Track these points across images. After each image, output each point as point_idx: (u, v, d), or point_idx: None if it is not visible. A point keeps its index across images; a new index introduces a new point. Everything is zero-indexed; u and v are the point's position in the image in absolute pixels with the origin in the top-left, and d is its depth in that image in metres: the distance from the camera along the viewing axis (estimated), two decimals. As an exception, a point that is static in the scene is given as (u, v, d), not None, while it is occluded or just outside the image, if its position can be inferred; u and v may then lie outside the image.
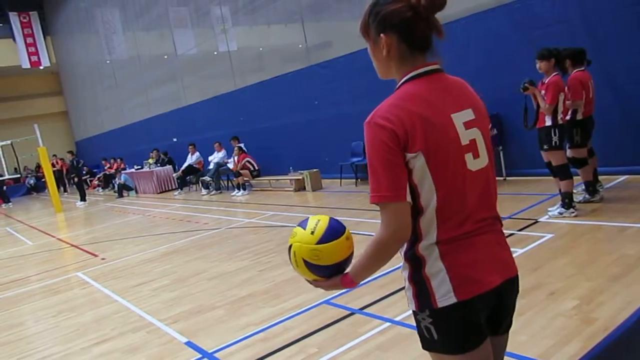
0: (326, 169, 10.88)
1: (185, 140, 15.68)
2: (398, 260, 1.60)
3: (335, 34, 11.23)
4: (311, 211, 8.45)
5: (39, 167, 28.53)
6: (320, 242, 1.56)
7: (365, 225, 6.57)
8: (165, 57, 17.99)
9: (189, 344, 3.90)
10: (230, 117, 14.22)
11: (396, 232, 1.39)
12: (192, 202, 12.37)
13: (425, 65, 1.45)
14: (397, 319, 3.63)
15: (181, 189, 14.70)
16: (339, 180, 10.52)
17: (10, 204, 21.08)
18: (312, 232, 1.58)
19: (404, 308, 3.76)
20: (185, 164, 14.56)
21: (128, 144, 21.59)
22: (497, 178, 7.57)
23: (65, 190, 22.60)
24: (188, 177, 14.64)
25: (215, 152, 13.49)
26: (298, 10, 11.66)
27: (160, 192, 15.63)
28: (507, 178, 7.92)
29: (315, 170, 10.72)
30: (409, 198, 1.37)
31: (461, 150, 1.41)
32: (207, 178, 13.40)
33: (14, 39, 26.91)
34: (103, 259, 7.52)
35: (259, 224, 8.13)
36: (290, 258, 1.63)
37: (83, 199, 16.87)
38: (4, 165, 18.40)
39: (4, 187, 22.94)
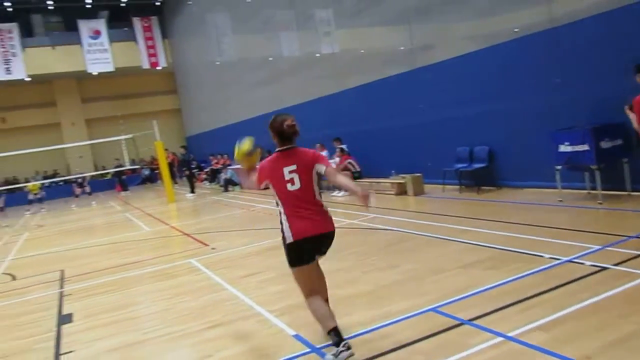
0: (429, 174, 10.68)
1: (287, 140, 16.10)
2: (512, 273, 1.53)
3: (440, 36, 10.99)
4: (412, 215, 8.34)
5: (153, 159, 30.68)
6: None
7: (470, 234, 6.38)
8: (270, 59, 18.59)
9: (297, 336, 4.00)
10: (332, 118, 14.40)
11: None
12: (292, 200, 12.66)
13: (283, 146, 3.60)
14: (510, 334, 3.47)
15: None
16: (441, 185, 10.29)
17: (128, 191, 22.85)
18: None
19: (518, 323, 3.60)
20: (287, 163, 14.94)
21: (234, 141, 22.46)
22: (620, 192, 7.22)
23: (175, 182, 24.06)
24: (289, 176, 15.00)
25: (317, 153, 13.71)
26: (402, 13, 11.55)
27: (264, 189, 16.15)
28: (632, 193, 7.27)
29: (417, 174, 10.56)
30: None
31: (284, 181, 3.56)
32: (308, 177, 13.66)
33: (137, 42, 29.13)
34: (213, 248, 7.91)
35: (360, 225, 8.16)
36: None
37: (192, 191, 17.89)
38: (126, 157, 19.95)
39: (123, 177, 24.94)
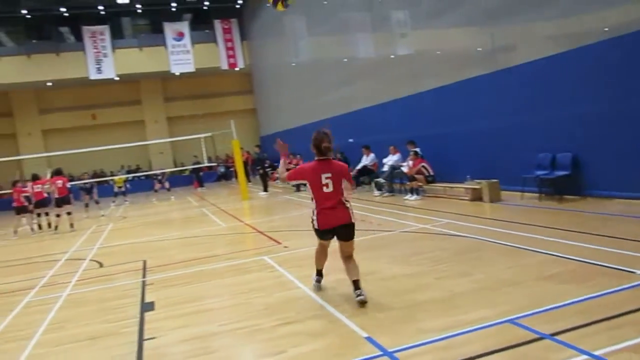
0: (506, 180, 10.33)
1: (360, 142, 16.09)
2: (598, 288, 1.45)
3: (522, 37, 10.58)
4: (487, 223, 8.11)
5: (228, 157, 31.69)
6: None
7: (551, 245, 6.11)
8: (345, 60, 18.67)
9: (369, 339, 4.00)
10: (406, 121, 14.26)
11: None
12: (364, 202, 12.66)
13: (321, 157, 4.96)
14: (597, 353, 3.29)
15: (354, 188, 15.14)
16: (519, 193, 9.92)
17: (204, 188, 23.71)
18: None
19: (605, 342, 3.42)
20: (360, 165, 14.94)
21: (305, 142, 22.68)
22: None
23: (248, 180, 24.69)
24: (361, 178, 15.01)
25: (390, 155, 13.63)
26: (483, 13, 11.24)
27: (291, 184, 16.31)
28: None
29: (494, 180, 10.25)
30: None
31: (321, 184, 4.89)
32: (380, 180, 13.61)
33: (217, 44, 30.20)
34: (286, 246, 8.07)
35: (432, 230, 8.03)
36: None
37: (265, 189, 18.31)
38: (204, 154, 20.72)
39: (201, 173, 25.90)
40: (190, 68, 29.05)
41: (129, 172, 30.68)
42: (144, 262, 8.19)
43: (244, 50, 30.82)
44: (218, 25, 30.12)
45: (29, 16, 28.60)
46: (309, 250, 7.46)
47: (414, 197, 11.92)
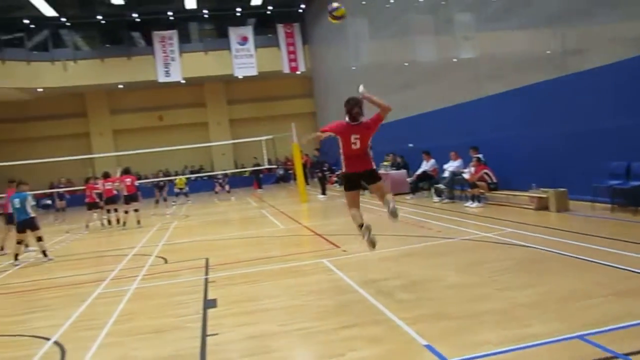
0: (575, 189, 9.91)
1: (420, 146, 15.90)
2: None
3: (594, 39, 10.11)
4: (554, 233, 7.80)
5: (287, 160, 32.10)
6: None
7: (624, 259, 5.81)
8: (406, 64, 18.50)
9: (428, 347, 3.96)
10: (469, 126, 13.96)
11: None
12: (423, 208, 12.50)
13: (351, 121, 5.88)
14: (675, 373, 3.12)
15: (413, 194, 14.96)
16: (590, 203, 9.49)
17: (262, 190, 24.13)
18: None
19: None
20: (420, 170, 14.76)
21: (366, 145, 22.81)
22: None
23: (307, 183, 24.93)
24: (421, 183, 14.83)
25: (451, 161, 13.39)
26: (550, 15, 10.84)
27: (393, 195, 16.12)
28: None
29: (562, 189, 9.85)
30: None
31: (350, 143, 5.81)
32: (441, 186, 13.40)
33: (279, 48, 30.70)
34: (344, 250, 8.10)
35: (495, 239, 7.82)
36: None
37: (324, 192, 18.42)
38: (264, 156, 21.10)
39: (260, 175, 26.36)
40: (253, 72, 29.68)
41: (192, 172, 31.68)
42: (206, 260, 8.44)
43: (305, 54, 31.17)
44: (281, 29, 30.62)
45: (103, 22, 30.13)
46: (369, 256, 7.49)
47: (475, 204, 11.66)
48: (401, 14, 18.25)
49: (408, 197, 15.06)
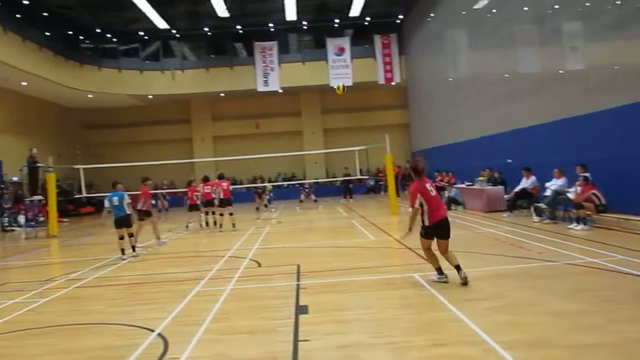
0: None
1: (519, 162, 15.21)
2: None
3: None
4: (672, 263, 7.14)
5: (378, 171, 32.01)
6: None
7: None
8: (506, 75, 17.82)
9: (528, 374, 3.78)
10: (574, 142, 13.14)
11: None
12: (521, 227, 11.94)
13: (419, 177, 6.98)
14: None
15: (510, 212, 14.32)
16: None
17: (351, 200, 24.21)
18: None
19: None
20: (519, 187, 14.11)
21: (460, 159, 22.25)
22: None
23: (397, 195, 24.71)
24: (519, 201, 14.17)
25: (554, 179, 12.68)
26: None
27: (489, 212, 15.56)
28: None
29: (682, 215, 9.02)
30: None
31: (428, 191, 6.87)
32: (541, 205, 12.72)
33: (375, 58, 30.76)
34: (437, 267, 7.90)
35: (604, 266, 7.29)
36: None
37: (415, 205, 18.11)
38: (357, 166, 21.18)
39: (350, 185, 26.46)
40: (349, 82, 29.92)
41: (284, 179, 32.49)
42: (298, 267, 8.61)
43: (401, 65, 30.99)
44: (378, 40, 30.68)
45: (209, 33, 31.86)
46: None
47: (581, 226, 10.94)
48: (504, 24, 17.64)
49: (504, 214, 14.44)
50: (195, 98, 33.54)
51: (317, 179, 31.33)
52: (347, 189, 27.25)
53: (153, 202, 21.43)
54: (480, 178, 17.06)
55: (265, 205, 21.88)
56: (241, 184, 32.02)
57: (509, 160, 16.89)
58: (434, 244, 7.00)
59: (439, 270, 6.95)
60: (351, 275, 7.79)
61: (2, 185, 24.21)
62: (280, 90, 30.91)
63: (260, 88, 29.94)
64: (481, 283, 6.73)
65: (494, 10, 18.61)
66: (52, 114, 31.18)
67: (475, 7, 20.14)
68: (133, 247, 11.26)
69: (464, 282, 6.58)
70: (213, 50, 33.30)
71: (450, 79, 23.79)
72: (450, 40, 23.62)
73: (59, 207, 18.94)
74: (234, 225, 15.58)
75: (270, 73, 29.75)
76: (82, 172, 18.90)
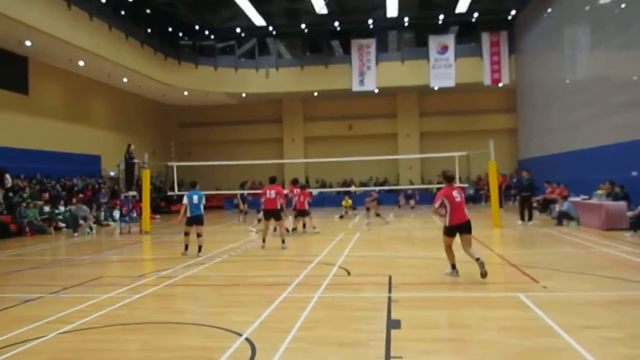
0: None
1: (647, 176, 14.13)
2: None
3: None
4: None
5: (479, 179, 31.06)
6: None
7: None
8: (635, 78, 16.58)
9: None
10: None
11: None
12: (646, 249, 11.07)
13: (449, 183, 8.86)
14: None
15: (634, 231, 13.30)
16: None
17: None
18: None
19: None
20: (645, 204, 13.09)
21: (575, 170, 21.05)
22: None
23: (500, 206, 23.80)
24: (645, 219, 13.14)
25: (689, 197, 11.63)
26: None
27: (607, 230, 14.55)
28: None
29: None
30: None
31: (453, 196, 8.51)
32: (672, 225, 11.72)
33: (481, 58, 29.86)
34: (544, 287, 7.55)
35: None
36: None
37: (523, 218, 17.30)
38: (456, 174, 20.59)
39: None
40: (451, 83, 29.35)
41: (376, 184, 32.39)
42: (390, 278, 8.56)
43: (510, 65, 29.86)
44: (486, 38, 29.79)
45: (306, 31, 32.54)
46: (575, 296, 6.96)
47: (629, 233, 9.95)
48: (633, 21, 16.46)
49: (627, 234, 13.44)
50: (288, 97, 34.40)
51: (411, 184, 30.97)
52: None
53: (235, 201, 22.19)
54: (599, 192, 15.99)
55: (346, 212, 21.91)
56: (330, 187, 32.45)
57: (635, 173, 15.72)
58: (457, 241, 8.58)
59: (453, 266, 8.73)
60: (447, 290, 7.64)
61: (100, 180, 26.31)
62: (376, 91, 30.93)
63: (356, 88, 30.14)
64: (597, 309, 6.33)
65: (623, 6, 17.42)
66: (149, 110, 33.43)
67: (601, 2, 18.98)
68: (200, 247, 11.95)
69: (483, 276, 8.01)
70: (309, 48, 33.96)
71: (568, 81, 22.56)
72: (569, 39, 22.42)
73: (151, 203, 20.19)
74: (314, 227, 16.41)
75: (367, 72, 29.86)
76: (175, 170, 20.04)
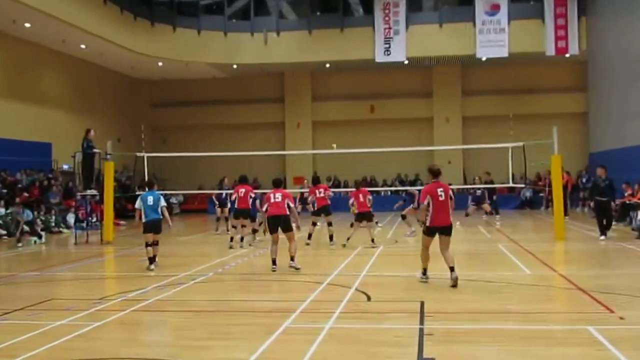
0: None
1: None
2: None
3: None
4: None
5: (538, 178, 30.94)
6: None
7: None
8: None
9: None
10: None
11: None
12: None
13: (435, 179, 10.67)
14: None
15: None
16: None
17: (498, 216, 23.53)
18: None
19: None
20: None
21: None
22: None
23: (565, 213, 23.67)
24: None
25: None
26: None
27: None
28: None
29: None
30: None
31: (437, 195, 10.29)
32: None
33: (543, 20, 29.64)
34: (621, 318, 7.57)
35: None
36: None
37: (603, 232, 16.65)
38: (509, 170, 20.51)
39: (494, 197, 25.55)
40: (502, 52, 29.20)
41: (401, 182, 32.17)
42: (421, 304, 8.58)
43: (580, 31, 29.62)
44: (550, -6, 29.53)
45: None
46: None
47: None
48: None
49: None
50: (292, 70, 34.51)
51: (450, 184, 30.73)
52: (491, 202, 26.35)
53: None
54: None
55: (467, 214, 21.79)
56: (346, 186, 32.28)
57: None
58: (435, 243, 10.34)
59: (424, 271, 10.60)
60: (494, 321, 7.67)
61: (51, 175, 26.43)
62: (406, 62, 30.92)
63: (380, 58, 30.09)
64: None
65: None
66: (113, 87, 33.70)
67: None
68: (154, 257, 12.68)
69: (454, 285, 9.86)
70: (319, 7, 33.83)
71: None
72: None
73: (115, 205, 20.20)
74: (331, 237, 16.38)
75: (394, 38, 29.77)
76: (145, 162, 20.12)
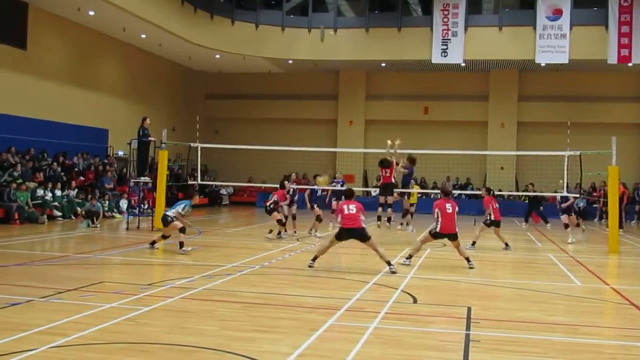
0: None
1: None
2: None
3: None
4: None
5: (593, 188, 30.24)
6: None
7: None
8: None
9: None
10: None
11: None
12: None
13: (446, 197, 13.50)
14: None
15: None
16: None
17: (548, 224, 23.06)
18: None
19: None
20: None
21: None
22: None
23: (620, 226, 23.08)
24: None
25: None
26: None
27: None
28: None
29: None
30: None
31: (445, 208, 12.98)
32: None
33: (606, 27, 28.93)
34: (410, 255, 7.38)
35: None
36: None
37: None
38: (564, 178, 20.02)
39: (541, 208, 25.08)
40: (563, 58, 28.64)
41: (454, 186, 31.85)
42: (468, 310, 8.49)
43: (646, 39, 28.85)
44: (614, 1, 28.78)
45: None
46: None
47: None
48: None
49: None
50: (347, 67, 34.54)
51: (500, 190, 30.35)
52: (538, 211, 25.72)
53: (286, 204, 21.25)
54: None
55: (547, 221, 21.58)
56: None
57: None
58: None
59: (410, 257, 12.93)
60: (544, 332, 7.54)
61: (106, 161, 27.01)
62: (463, 64, 30.63)
63: (436, 59, 29.89)
64: None
65: None
66: (170, 76, 34.28)
67: None
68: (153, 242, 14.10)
69: (470, 267, 12.44)
70: (378, 5, 33.73)
71: None
72: None
73: (167, 194, 20.48)
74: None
75: (452, 40, 29.52)
76: (199, 152, 20.37)
